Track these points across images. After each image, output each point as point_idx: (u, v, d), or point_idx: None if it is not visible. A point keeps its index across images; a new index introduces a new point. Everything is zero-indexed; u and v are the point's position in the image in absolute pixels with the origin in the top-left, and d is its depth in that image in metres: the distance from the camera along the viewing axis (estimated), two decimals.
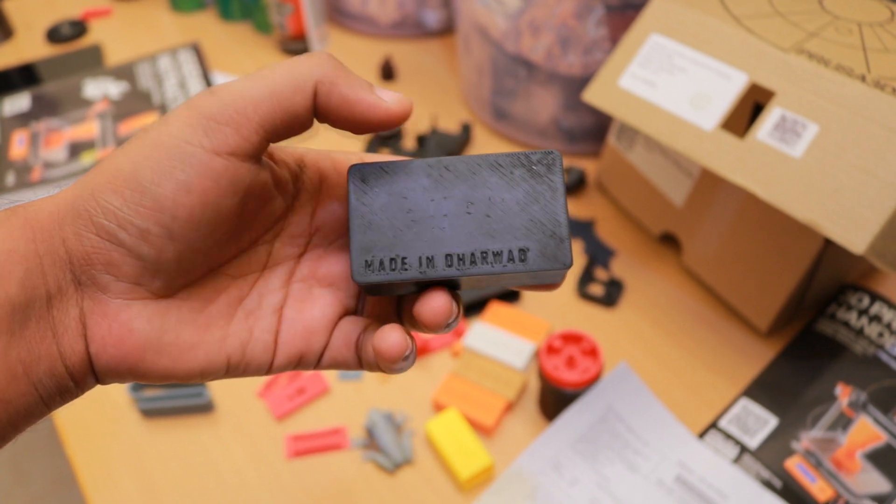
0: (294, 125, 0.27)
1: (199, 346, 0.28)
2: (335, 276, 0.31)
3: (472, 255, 0.27)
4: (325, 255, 0.31)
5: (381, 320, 0.31)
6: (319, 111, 0.27)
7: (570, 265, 0.27)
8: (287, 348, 0.30)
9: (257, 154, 0.26)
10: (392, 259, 0.28)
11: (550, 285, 0.30)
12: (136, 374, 0.27)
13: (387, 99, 0.27)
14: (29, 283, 0.25)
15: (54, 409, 0.27)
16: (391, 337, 0.28)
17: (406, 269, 0.27)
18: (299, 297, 0.31)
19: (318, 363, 0.31)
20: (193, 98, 0.26)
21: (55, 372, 0.26)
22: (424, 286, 0.28)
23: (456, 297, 0.29)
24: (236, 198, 0.26)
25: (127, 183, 0.25)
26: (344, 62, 1.02)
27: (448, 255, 0.27)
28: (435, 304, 0.27)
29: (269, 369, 0.30)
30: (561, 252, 0.27)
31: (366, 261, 0.28)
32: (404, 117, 0.28)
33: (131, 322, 0.27)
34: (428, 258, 0.27)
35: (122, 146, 0.26)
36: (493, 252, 0.27)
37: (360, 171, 0.29)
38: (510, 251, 0.27)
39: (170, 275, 0.27)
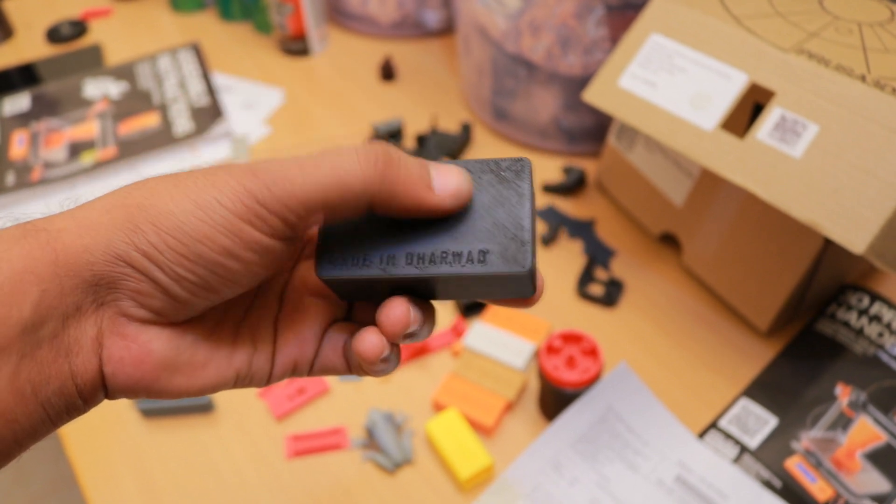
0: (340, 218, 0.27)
1: (210, 363, 0.29)
2: (321, 284, 0.31)
3: (433, 254, 0.27)
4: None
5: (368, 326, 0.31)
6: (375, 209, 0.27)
7: (528, 268, 0.27)
8: (283, 357, 0.31)
9: (299, 236, 0.27)
10: (354, 256, 0.28)
11: (522, 300, 0.29)
12: (150, 393, 0.28)
13: (445, 193, 0.27)
14: (45, 304, 0.24)
15: (60, 425, 0.27)
16: (368, 339, 0.28)
17: (367, 266, 0.28)
18: (292, 307, 0.31)
19: (310, 370, 0.31)
20: (245, 173, 0.25)
21: (65, 391, 0.26)
22: (395, 289, 0.29)
23: (423, 308, 0.29)
24: (273, 267, 0.27)
25: (172, 231, 0.25)
26: (344, 62, 1.00)
27: (409, 254, 0.28)
28: (391, 311, 0.28)
29: (269, 379, 0.31)
30: (521, 255, 0.27)
31: (330, 258, 0.28)
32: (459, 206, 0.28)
33: (150, 343, 0.27)
34: (389, 256, 0.28)
35: (165, 186, 0.26)
36: (453, 252, 0.27)
37: None
38: (470, 252, 0.27)
39: (194, 311, 0.27)
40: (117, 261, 0.25)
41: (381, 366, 0.29)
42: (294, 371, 0.31)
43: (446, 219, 0.28)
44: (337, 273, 0.28)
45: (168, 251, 0.25)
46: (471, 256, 0.27)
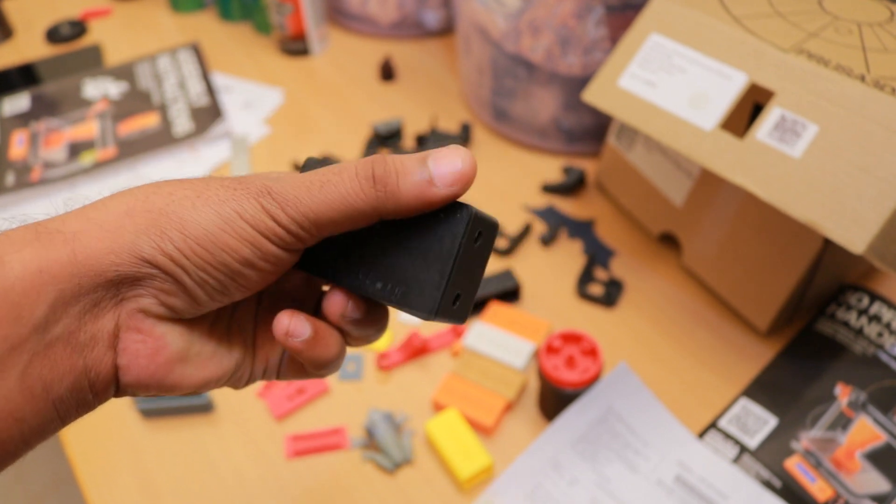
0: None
1: (215, 354, 0.31)
2: (296, 288, 0.34)
3: (366, 281, 0.30)
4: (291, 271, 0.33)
5: None
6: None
7: (433, 312, 0.28)
8: (262, 353, 0.33)
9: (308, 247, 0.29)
10: (318, 256, 0.31)
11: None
12: (161, 387, 0.29)
13: (445, 183, 0.27)
14: (61, 303, 0.25)
15: (69, 423, 0.27)
16: (280, 319, 0.29)
17: (325, 269, 0.31)
18: (267, 307, 0.33)
19: (278, 372, 0.33)
20: (262, 192, 0.27)
21: (77, 386, 0.26)
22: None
23: (356, 300, 0.30)
24: (280, 274, 0.29)
25: (199, 239, 0.26)
26: (344, 62, 1.00)
27: (348, 263, 0.30)
28: (333, 297, 0.30)
29: (260, 374, 0.33)
30: (429, 299, 0.28)
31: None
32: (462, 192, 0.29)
33: (165, 336, 0.28)
34: (343, 262, 0.30)
35: (186, 195, 0.27)
36: (381, 281, 0.29)
37: None
38: (392, 286, 0.29)
39: (205, 310, 0.29)
40: (143, 263, 0.26)
41: (297, 342, 0.29)
42: (266, 372, 0.33)
43: (390, 245, 0.29)
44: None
45: (194, 257, 0.26)
46: (393, 290, 0.29)
